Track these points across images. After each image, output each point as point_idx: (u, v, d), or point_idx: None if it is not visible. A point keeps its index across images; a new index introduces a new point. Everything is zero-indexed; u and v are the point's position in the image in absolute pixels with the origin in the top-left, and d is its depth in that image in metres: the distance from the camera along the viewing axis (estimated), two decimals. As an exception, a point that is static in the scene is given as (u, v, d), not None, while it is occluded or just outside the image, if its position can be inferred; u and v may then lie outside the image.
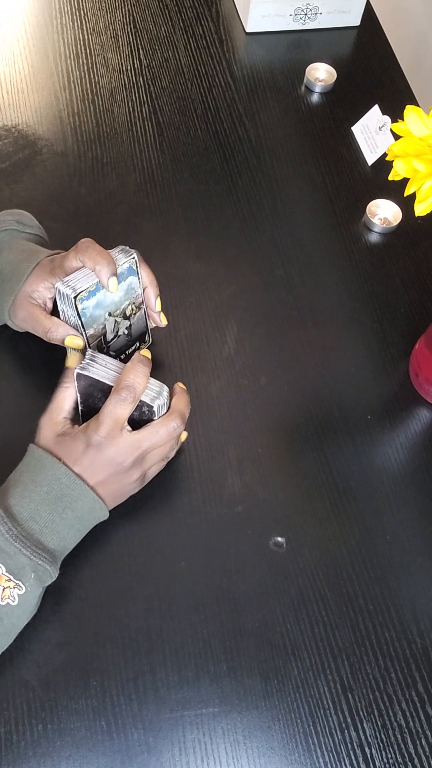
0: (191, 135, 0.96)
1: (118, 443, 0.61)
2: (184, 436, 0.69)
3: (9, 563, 0.57)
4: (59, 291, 0.65)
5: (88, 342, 0.68)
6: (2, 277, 0.69)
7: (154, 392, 0.63)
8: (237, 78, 1.03)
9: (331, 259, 0.87)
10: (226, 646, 0.63)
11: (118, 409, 0.61)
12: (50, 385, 0.65)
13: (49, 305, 0.69)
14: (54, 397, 0.64)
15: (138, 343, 0.75)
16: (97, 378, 0.62)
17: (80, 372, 0.63)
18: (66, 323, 0.68)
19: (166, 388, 0.64)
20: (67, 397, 0.64)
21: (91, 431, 0.61)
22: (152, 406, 0.62)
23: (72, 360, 0.66)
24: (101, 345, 0.70)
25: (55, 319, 0.68)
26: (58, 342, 0.68)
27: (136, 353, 0.63)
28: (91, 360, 0.64)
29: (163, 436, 0.63)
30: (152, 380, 0.63)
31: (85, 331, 0.67)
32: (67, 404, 0.64)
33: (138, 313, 0.72)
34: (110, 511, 0.64)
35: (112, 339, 0.71)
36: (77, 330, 0.67)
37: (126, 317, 0.71)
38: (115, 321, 0.70)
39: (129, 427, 0.62)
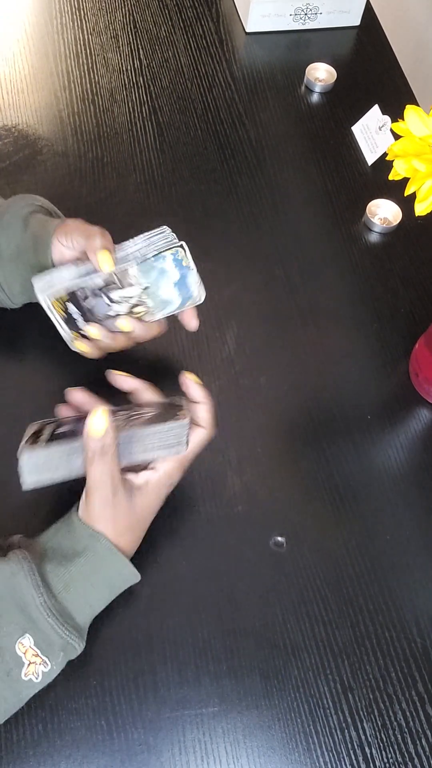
0: (191, 135, 0.96)
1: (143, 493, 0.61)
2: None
3: (38, 638, 0.54)
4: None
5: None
6: (36, 230, 0.68)
7: (171, 437, 0.60)
8: (237, 78, 1.03)
9: (331, 259, 0.87)
10: (226, 646, 0.63)
11: (95, 471, 0.57)
12: (46, 373, 0.65)
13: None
14: (104, 468, 0.58)
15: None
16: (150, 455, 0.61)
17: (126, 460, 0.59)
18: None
19: (180, 424, 0.60)
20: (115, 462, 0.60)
21: (176, 475, 0.62)
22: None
23: (99, 429, 0.57)
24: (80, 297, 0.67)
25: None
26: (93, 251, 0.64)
27: (197, 388, 0.63)
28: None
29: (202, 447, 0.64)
30: (163, 426, 0.60)
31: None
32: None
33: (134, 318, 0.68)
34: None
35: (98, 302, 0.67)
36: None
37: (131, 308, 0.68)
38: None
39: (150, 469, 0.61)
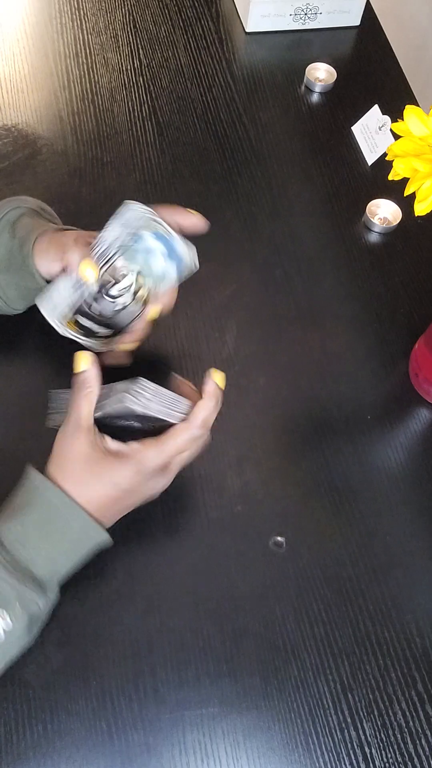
0: (191, 135, 0.96)
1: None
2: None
3: None
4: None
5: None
6: (21, 236, 0.68)
7: (173, 408, 0.61)
8: (237, 78, 1.02)
9: (331, 259, 0.87)
10: (226, 647, 0.63)
11: (184, 446, 0.60)
12: (44, 372, 0.65)
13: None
14: (74, 406, 0.60)
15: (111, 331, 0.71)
16: (150, 414, 0.60)
17: (131, 405, 0.59)
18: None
19: (183, 402, 0.62)
20: (91, 402, 0.60)
21: (148, 461, 0.59)
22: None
23: (81, 363, 0.60)
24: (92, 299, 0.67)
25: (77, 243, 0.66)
26: (73, 263, 0.65)
27: (211, 383, 0.62)
28: (141, 390, 0.59)
29: (185, 443, 0.61)
30: (166, 394, 0.61)
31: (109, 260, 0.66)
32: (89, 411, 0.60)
33: (135, 306, 0.69)
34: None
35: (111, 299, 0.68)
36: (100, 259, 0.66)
37: (133, 294, 0.69)
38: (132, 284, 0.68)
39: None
